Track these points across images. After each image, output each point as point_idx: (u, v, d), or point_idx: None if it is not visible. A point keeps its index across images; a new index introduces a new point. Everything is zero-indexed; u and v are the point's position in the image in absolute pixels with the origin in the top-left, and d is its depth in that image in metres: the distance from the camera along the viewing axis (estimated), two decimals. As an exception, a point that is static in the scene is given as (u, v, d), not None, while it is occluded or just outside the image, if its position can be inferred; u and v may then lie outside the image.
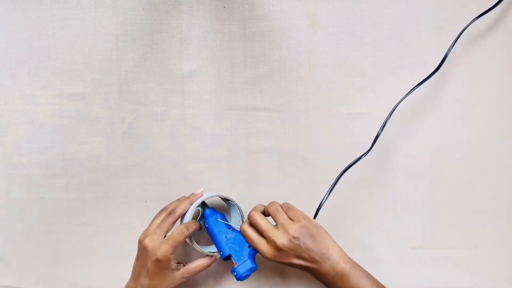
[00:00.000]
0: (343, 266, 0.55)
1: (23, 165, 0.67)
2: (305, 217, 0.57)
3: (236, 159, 0.67)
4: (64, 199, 0.68)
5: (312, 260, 0.55)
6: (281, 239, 0.54)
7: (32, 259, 0.69)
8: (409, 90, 0.65)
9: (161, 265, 0.57)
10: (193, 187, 0.67)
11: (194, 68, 0.66)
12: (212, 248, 0.63)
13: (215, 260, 0.62)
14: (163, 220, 0.60)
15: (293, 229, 0.55)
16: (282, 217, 0.57)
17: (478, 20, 0.63)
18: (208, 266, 0.61)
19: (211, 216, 0.62)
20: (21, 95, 0.66)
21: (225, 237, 0.60)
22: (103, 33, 0.65)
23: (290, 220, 0.56)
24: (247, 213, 0.64)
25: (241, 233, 0.59)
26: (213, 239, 0.61)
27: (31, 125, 0.66)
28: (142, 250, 0.58)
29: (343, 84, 0.66)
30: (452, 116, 0.66)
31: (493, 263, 0.68)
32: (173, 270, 0.58)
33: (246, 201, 0.64)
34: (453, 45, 0.63)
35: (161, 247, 0.57)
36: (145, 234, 0.59)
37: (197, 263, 0.61)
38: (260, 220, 0.57)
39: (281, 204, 0.60)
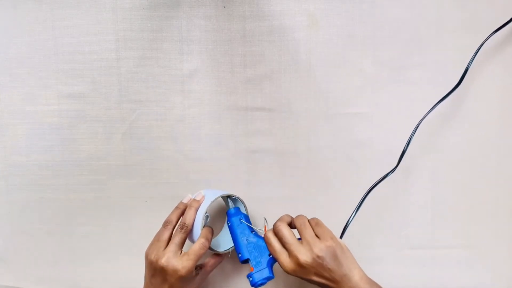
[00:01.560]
0: (362, 287, 0.54)
1: (23, 165, 0.67)
2: (332, 237, 0.55)
3: (236, 159, 0.67)
4: (64, 199, 0.68)
5: (332, 280, 0.54)
6: (304, 256, 0.53)
7: (32, 259, 0.69)
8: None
9: (185, 279, 0.56)
10: (193, 187, 0.67)
11: (194, 68, 0.66)
12: (221, 246, 0.63)
13: (227, 257, 0.63)
14: (175, 235, 0.57)
15: (318, 247, 0.54)
16: (308, 233, 0.55)
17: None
18: (220, 262, 0.63)
19: (235, 216, 0.61)
20: (21, 95, 0.66)
21: (246, 240, 0.59)
22: (103, 33, 0.65)
23: (316, 238, 0.55)
24: (251, 212, 0.65)
25: (265, 240, 0.58)
26: (233, 240, 0.61)
27: (31, 125, 0.66)
28: (160, 270, 0.55)
29: (343, 84, 0.66)
30: (451, 116, 0.66)
31: (493, 263, 0.68)
32: (194, 277, 0.59)
33: (246, 201, 0.64)
34: (473, 58, 0.63)
35: (184, 264, 0.55)
36: (157, 253, 0.56)
37: (212, 262, 0.62)
38: (286, 231, 0.56)
39: (309, 218, 0.59)
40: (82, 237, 0.69)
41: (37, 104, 0.66)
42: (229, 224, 0.61)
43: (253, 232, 0.60)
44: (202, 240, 0.57)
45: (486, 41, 0.63)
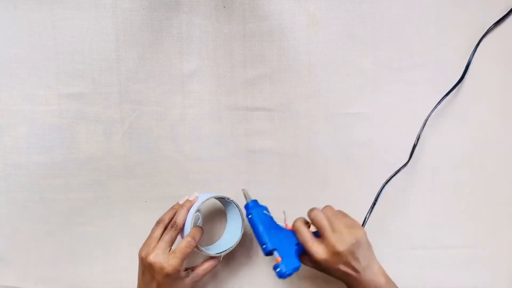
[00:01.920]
0: (380, 279, 0.55)
1: (23, 165, 0.67)
2: (360, 227, 0.56)
3: (236, 159, 0.67)
4: (64, 199, 0.68)
5: (357, 270, 0.54)
6: (341, 244, 0.53)
7: (32, 259, 0.69)
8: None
9: (172, 278, 0.56)
10: (193, 187, 0.67)
11: (194, 68, 0.66)
12: (215, 249, 0.63)
13: (220, 261, 0.62)
14: (165, 233, 0.58)
15: (354, 236, 0.54)
16: (341, 222, 0.56)
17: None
18: (214, 267, 0.62)
19: (255, 208, 0.60)
20: (21, 95, 0.66)
21: (271, 231, 0.59)
22: (103, 33, 0.65)
23: (348, 228, 0.55)
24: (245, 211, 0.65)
25: (295, 228, 0.57)
26: (256, 232, 0.59)
27: (31, 125, 0.66)
28: (148, 267, 0.56)
29: (343, 84, 0.66)
30: (451, 116, 0.66)
31: (493, 263, 0.68)
32: (183, 278, 0.58)
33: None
34: (474, 53, 0.63)
35: (170, 262, 0.55)
36: (147, 250, 0.57)
37: (205, 266, 0.61)
38: (323, 222, 0.56)
39: (336, 210, 0.59)
40: (82, 237, 0.69)
41: (37, 104, 0.66)
42: (250, 216, 0.60)
43: (275, 224, 0.60)
44: (189, 238, 0.57)
45: (487, 37, 0.63)
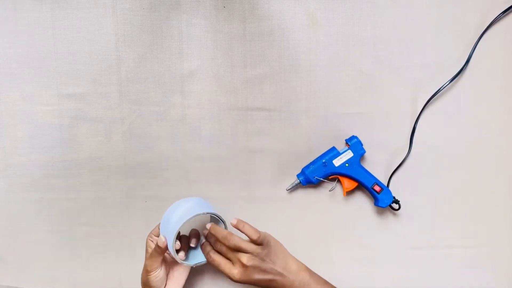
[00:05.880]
0: (303, 274, 0.59)
1: (23, 165, 0.67)
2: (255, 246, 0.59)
3: (235, 159, 0.67)
4: (64, 199, 0.68)
5: (276, 273, 0.58)
6: (244, 258, 0.57)
7: (32, 259, 0.69)
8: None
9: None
10: (193, 187, 0.67)
11: (194, 68, 0.66)
12: (194, 259, 0.62)
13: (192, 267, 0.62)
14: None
15: (251, 248, 0.58)
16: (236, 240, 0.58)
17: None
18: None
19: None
20: (21, 95, 0.66)
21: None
22: (103, 33, 0.65)
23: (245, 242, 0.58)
24: (250, 212, 0.65)
25: (210, 262, 0.60)
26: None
27: (31, 125, 0.66)
28: None
29: (343, 84, 0.66)
30: (452, 115, 0.66)
31: (493, 263, 0.68)
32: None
33: (246, 201, 0.65)
34: (475, 46, 0.64)
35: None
36: None
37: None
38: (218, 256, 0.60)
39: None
40: (82, 237, 0.69)
41: (37, 104, 0.66)
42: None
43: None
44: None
45: (485, 36, 0.64)
